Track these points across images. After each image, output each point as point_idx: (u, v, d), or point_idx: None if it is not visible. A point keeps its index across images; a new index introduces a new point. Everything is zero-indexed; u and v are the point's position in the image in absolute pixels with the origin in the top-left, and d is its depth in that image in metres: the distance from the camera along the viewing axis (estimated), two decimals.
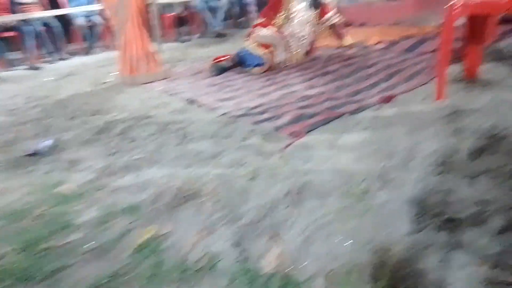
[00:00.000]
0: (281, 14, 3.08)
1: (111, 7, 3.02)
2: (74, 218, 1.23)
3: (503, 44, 2.61)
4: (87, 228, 1.17)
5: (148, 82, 3.05)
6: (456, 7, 1.66)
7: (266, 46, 2.94)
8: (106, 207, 1.28)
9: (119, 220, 1.20)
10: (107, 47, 5.89)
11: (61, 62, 4.87)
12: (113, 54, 4.88)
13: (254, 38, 3.02)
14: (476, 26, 1.91)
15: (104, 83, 3.28)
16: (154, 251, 1.04)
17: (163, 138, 1.80)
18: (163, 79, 3.13)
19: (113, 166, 1.56)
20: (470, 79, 1.98)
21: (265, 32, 3.02)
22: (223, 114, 2.03)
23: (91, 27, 5.72)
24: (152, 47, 3.21)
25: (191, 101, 2.35)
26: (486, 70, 2.06)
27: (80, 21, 5.54)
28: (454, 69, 2.13)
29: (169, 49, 5.01)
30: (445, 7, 1.68)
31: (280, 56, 2.99)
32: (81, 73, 3.90)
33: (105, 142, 1.86)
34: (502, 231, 0.91)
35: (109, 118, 2.20)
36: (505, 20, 3.04)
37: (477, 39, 1.93)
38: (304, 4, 3.11)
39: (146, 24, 3.20)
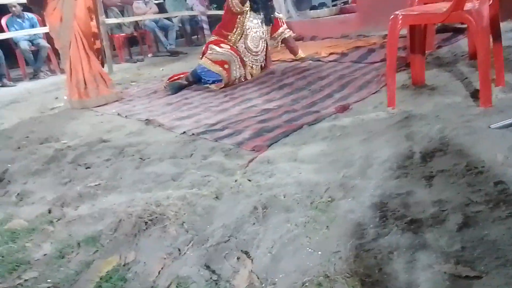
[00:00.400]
0: (234, 31, 3.11)
1: (54, 30, 2.89)
2: (28, 256, 1.13)
3: (441, 51, 2.80)
4: (42, 265, 1.08)
5: (100, 106, 2.94)
6: (398, 18, 1.76)
7: (221, 63, 2.95)
8: (61, 241, 1.19)
9: (77, 254, 1.12)
10: (54, 72, 5.65)
11: (3, 89, 4.59)
12: (61, 78, 4.68)
13: (209, 55, 3.02)
14: (417, 35, 2.03)
15: (52, 109, 3.12)
16: (119, 282, 0.97)
17: (120, 163, 1.73)
18: (116, 101, 3.03)
19: (67, 196, 1.47)
20: (417, 85, 2.10)
21: (219, 49, 3.04)
22: (182, 133, 1.99)
23: (36, 51, 5.46)
24: (102, 69, 3.11)
25: (147, 122, 2.29)
26: (431, 76, 2.19)
27: (23, 45, 5.27)
28: (402, 77, 2.24)
29: (121, 70, 4.89)
30: (389, 18, 1.78)
31: (236, 72, 3.01)
32: (26, 100, 3.69)
33: (56, 171, 1.75)
34: (461, 228, 0.95)
35: (59, 146, 2.08)
36: (441, 30, 3.28)
37: (419, 47, 2.06)
38: (257, 20, 3.16)
39: (94, 45, 3.10)
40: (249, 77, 3.15)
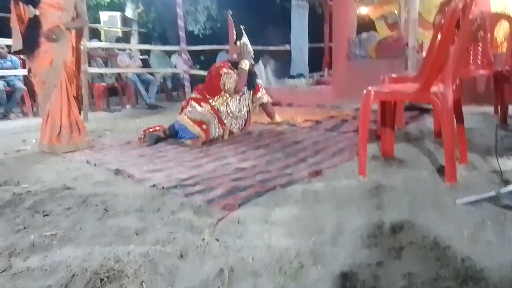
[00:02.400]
0: (217, 98, 3.21)
1: (40, 74, 2.88)
2: None
3: (409, 127, 2.97)
4: None
5: (70, 152, 2.85)
6: (371, 94, 1.87)
7: (200, 123, 2.98)
8: None
9: None
10: (26, 114, 5.52)
11: None
12: (32, 121, 4.56)
13: (188, 114, 3.07)
14: (387, 110, 2.16)
15: (18, 151, 2.99)
16: None
17: (81, 213, 1.63)
18: (87, 149, 2.96)
19: (17, 245, 1.35)
20: (387, 157, 2.18)
21: (199, 108, 3.10)
22: (152, 186, 1.93)
23: (10, 92, 5.37)
24: (79, 116, 3.07)
25: (117, 172, 2.22)
26: (399, 150, 2.28)
27: None
28: (373, 148, 2.33)
29: (97, 119, 4.85)
30: (362, 93, 1.89)
31: (214, 132, 3.04)
32: None
33: (11, 217, 1.62)
34: None
35: (18, 190, 1.96)
36: (410, 108, 3.51)
37: (389, 122, 2.17)
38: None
39: (76, 92, 3.10)
40: (226, 137, 3.19)
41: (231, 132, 3.26)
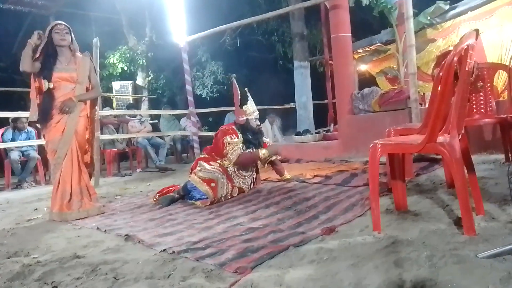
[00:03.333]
0: (226, 159, 3.25)
1: (52, 143, 2.98)
2: None
3: (420, 179, 2.93)
4: None
5: (81, 219, 2.84)
6: (377, 147, 1.88)
7: (208, 181, 3.00)
8: None
9: None
10: (39, 183, 5.61)
11: None
12: (45, 189, 4.62)
13: (198, 172, 3.10)
14: (396, 163, 2.15)
15: (29, 220, 2.99)
16: None
17: (91, 283, 1.59)
18: (98, 214, 2.95)
19: None
20: (400, 210, 2.13)
21: (208, 167, 3.13)
22: (162, 251, 1.89)
23: (25, 162, 5.51)
24: (89, 182, 3.11)
25: (127, 238, 2.19)
26: (412, 202, 2.24)
27: (14, 156, 5.35)
28: (386, 201, 2.29)
29: (107, 184, 4.89)
30: (369, 146, 1.90)
31: (222, 190, 3.05)
32: (3, 211, 3.56)
33: None
34: None
35: (28, 261, 1.93)
36: (418, 159, 3.50)
37: (399, 174, 2.16)
38: (248, 149, 3.33)
39: (89, 159, 3.18)
40: (235, 195, 3.18)
41: (241, 190, 3.26)
